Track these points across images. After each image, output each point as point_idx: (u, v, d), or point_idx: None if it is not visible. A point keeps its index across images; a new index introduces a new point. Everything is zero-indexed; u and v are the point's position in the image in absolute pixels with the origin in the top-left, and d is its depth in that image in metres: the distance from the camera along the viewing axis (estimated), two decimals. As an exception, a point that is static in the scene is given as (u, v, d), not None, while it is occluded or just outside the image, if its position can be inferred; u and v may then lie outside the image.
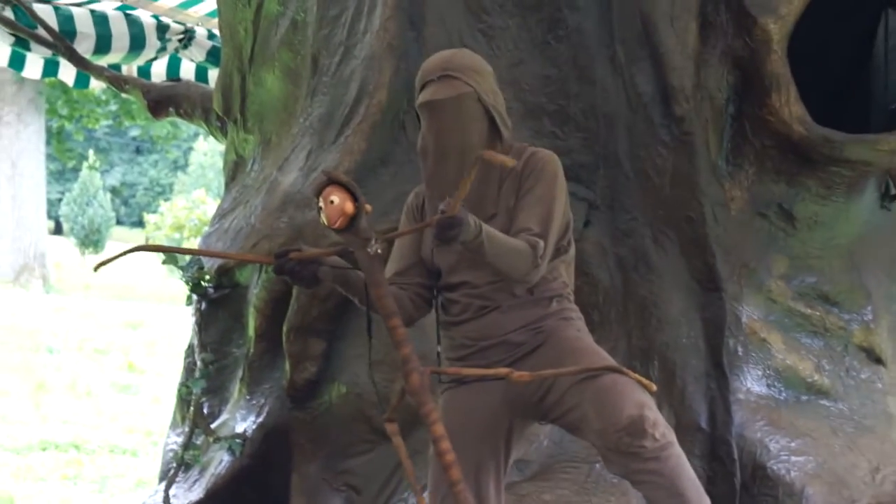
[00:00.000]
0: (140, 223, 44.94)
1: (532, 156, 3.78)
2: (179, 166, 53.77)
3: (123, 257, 3.44)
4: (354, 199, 3.30)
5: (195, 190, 38.67)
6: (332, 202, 3.28)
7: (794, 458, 4.60)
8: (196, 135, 45.54)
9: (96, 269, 3.39)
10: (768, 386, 4.77)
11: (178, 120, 7.22)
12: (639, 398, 3.53)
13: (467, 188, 3.25)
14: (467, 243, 3.39)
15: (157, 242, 31.27)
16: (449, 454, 3.38)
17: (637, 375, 3.57)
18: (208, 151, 48.97)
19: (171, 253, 5.47)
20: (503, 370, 3.49)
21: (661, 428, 3.53)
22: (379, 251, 3.35)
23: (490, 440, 3.76)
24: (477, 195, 3.70)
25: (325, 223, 3.30)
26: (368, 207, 3.31)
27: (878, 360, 4.98)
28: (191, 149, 51.74)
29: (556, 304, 3.79)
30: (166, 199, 39.83)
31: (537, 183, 3.71)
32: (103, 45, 8.14)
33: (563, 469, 4.47)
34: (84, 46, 7.96)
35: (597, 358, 3.67)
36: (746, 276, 4.80)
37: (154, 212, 37.86)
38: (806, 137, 4.75)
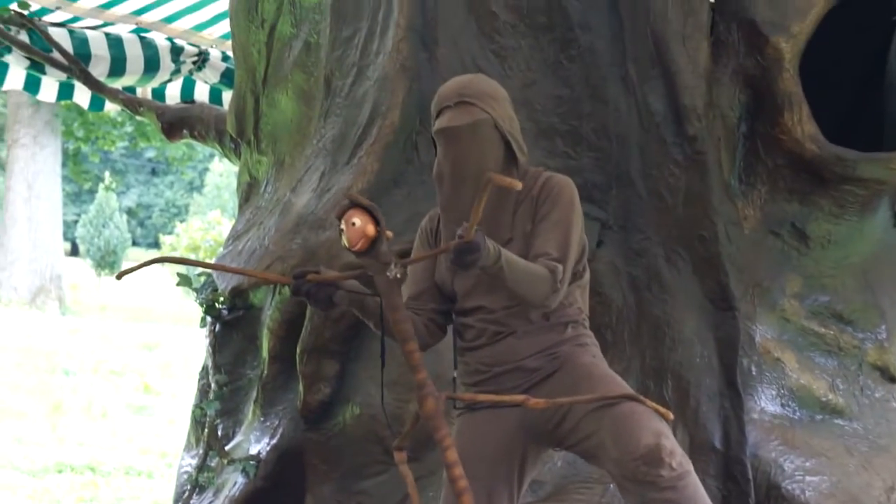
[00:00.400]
0: (156, 244, 45.02)
1: (548, 180, 3.78)
2: (195, 187, 53.88)
3: (146, 268, 3.47)
4: (376, 222, 3.32)
5: (211, 211, 38.72)
6: (353, 224, 3.31)
7: (808, 478, 4.58)
8: (212, 156, 45.63)
9: (119, 277, 3.42)
10: (782, 405, 4.75)
11: (194, 141, 7.25)
12: (656, 427, 3.52)
13: (480, 213, 3.26)
14: (486, 268, 3.39)
15: (174, 264, 31.29)
16: (462, 480, 3.38)
17: (654, 404, 3.56)
18: (224, 172, 49.04)
19: (188, 269, 5.49)
20: (519, 397, 3.48)
21: (678, 457, 3.53)
22: (398, 276, 3.36)
23: (504, 466, 3.75)
24: (492, 220, 3.69)
25: (346, 245, 3.33)
26: (389, 234, 3.32)
27: (893, 379, 4.96)
28: (206, 170, 51.83)
29: (571, 329, 3.79)
30: (182, 221, 39.90)
31: (554, 208, 3.71)
32: (118, 67, 8.17)
33: (577, 490, 4.46)
34: (99, 69, 7.99)
35: (613, 385, 3.66)
36: (760, 296, 4.79)
37: (170, 233, 37.91)
38: (818, 156, 4.75)
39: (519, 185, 3.16)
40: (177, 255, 32.57)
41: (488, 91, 3.77)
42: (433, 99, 3.81)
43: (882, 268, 5.07)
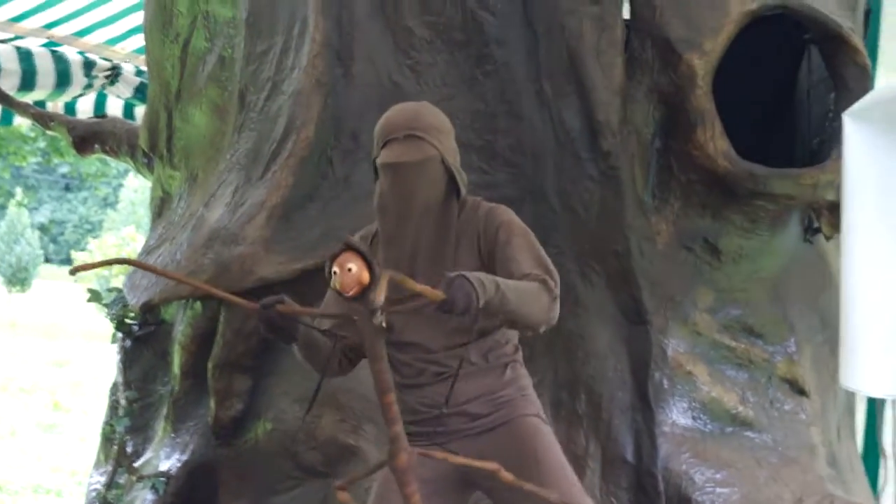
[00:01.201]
0: (69, 260, 44.50)
1: (490, 212, 3.72)
2: (109, 203, 53.33)
3: (99, 268, 3.39)
4: (370, 269, 3.31)
5: (125, 227, 38.38)
6: (349, 270, 3.29)
7: (719, 490, 4.62)
8: (126, 172, 45.14)
9: (72, 272, 3.36)
10: (693, 418, 4.79)
11: (107, 157, 7.17)
12: None
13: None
14: (490, 304, 3.31)
15: (86, 281, 30.95)
16: None
17: None
18: (139, 188, 48.60)
19: (99, 285, 5.42)
20: (491, 465, 3.41)
21: None
22: (383, 324, 3.33)
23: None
24: (433, 254, 3.66)
25: (336, 288, 3.30)
26: (389, 276, 3.30)
27: (802, 392, 5.01)
28: (121, 185, 51.33)
29: (510, 371, 3.75)
30: (95, 237, 39.50)
31: (511, 235, 3.65)
32: (28, 81, 8.08)
33: None
34: (9, 83, 7.89)
35: (561, 482, 3.61)
36: (672, 309, 4.83)
37: (83, 249, 37.50)
38: (731, 172, 4.80)
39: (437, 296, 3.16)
40: (90, 272, 32.22)
41: (436, 125, 3.71)
42: (376, 128, 3.73)
43: (792, 281, 5.13)
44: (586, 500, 3.66)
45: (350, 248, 3.32)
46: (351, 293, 3.31)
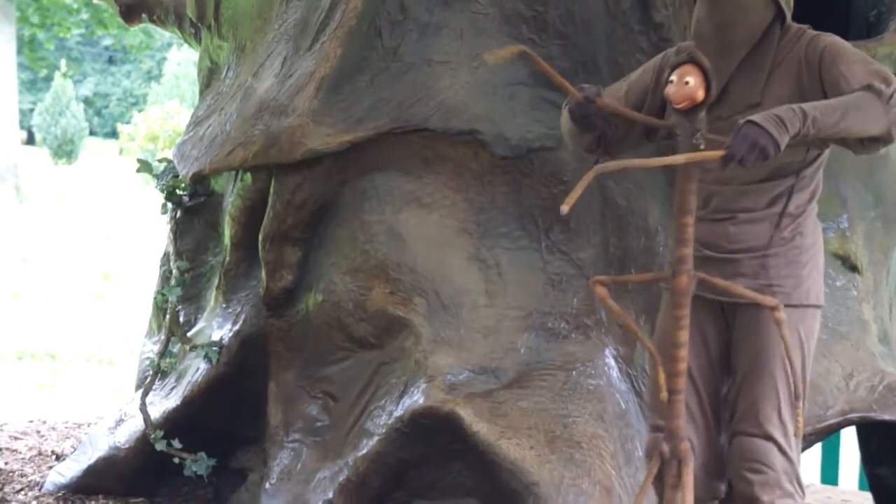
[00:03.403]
0: (114, 134, 44.62)
1: (814, 38, 3.61)
2: (153, 76, 53.22)
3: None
4: (707, 88, 3.28)
5: (169, 101, 38.37)
6: (686, 83, 3.29)
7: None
8: (170, 44, 45.05)
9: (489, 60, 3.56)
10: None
11: (152, 29, 7.13)
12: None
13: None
14: (802, 135, 3.26)
15: (132, 154, 31.06)
16: (682, 363, 3.41)
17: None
18: (182, 62, 48.45)
19: (155, 164, 5.43)
20: (770, 300, 3.39)
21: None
22: (701, 147, 3.33)
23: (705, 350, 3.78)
24: (741, 81, 3.55)
25: (668, 98, 3.34)
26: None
27: (854, 268, 4.98)
28: (164, 59, 51.17)
29: (789, 230, 3.69)
30: (140, 110, 39.48)
31: (837, 55, 3.53)
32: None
33: (540, 377, 4.48)
34: (54, -49, 7.83)
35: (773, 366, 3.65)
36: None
37: (128, 122, 37.54)
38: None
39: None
40: (135, 145, 32.31)
41: None
42: None
43: (845, 158, 5.05)
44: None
45: (693, 61, 3.30)
46: (681, 105, 3.31)
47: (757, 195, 3.67)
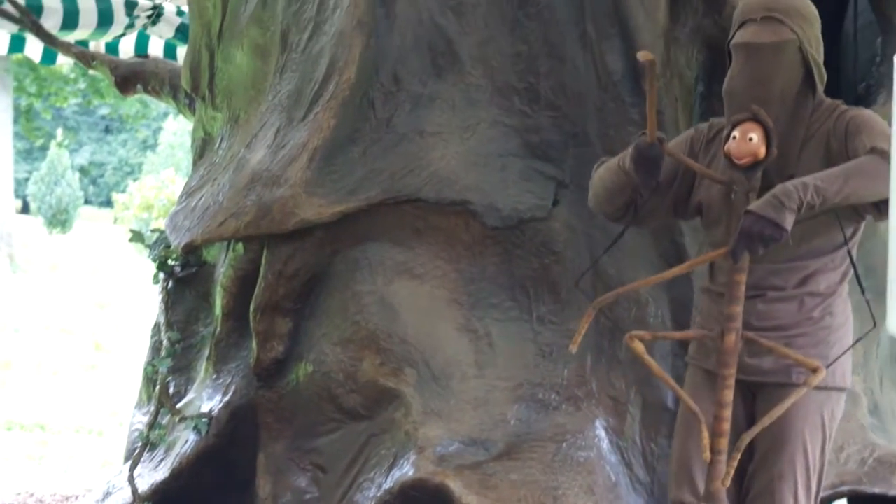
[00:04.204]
0: (108, 203, 44.68)
1: (845, 111, 3.60)
2: (149, 146, 53.40)
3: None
4: (768, 147, 3.30)
5: (164, 169, 38.43)
6: (750, 139, 3.31)
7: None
8: (166, 114, 45.29)
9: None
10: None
11: (148, 99, 7.18)
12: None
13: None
14: (809, 207, 3.26)
15: (126, 223, 31.09)
16: (725, 423, 3.39)
17: None
18: (178, 131, 48.65)
19: (148, 235, 5.44)
20: (812, 362, 3.39)
21: None
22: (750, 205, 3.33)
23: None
24: (778, 152, 3.52)
25: (728, 154, 3.35)
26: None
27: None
28: (160, 128, 51.38)
29: (818, 310, 3.66)
30: (135, 179, 39.57)
31: (861, 124, 3.51)
32: (71, 20, 8.07)
33: (531, 448, 4.45)
34: (51, 22, 7.89)
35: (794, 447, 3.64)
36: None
37: (123, 191, 37.61)
38: (775, 117, 4.74)
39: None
40: (130, 214, 32.33)
41: (798, 8, 3.58)
42: (737, 10, 3.64)
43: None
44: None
45: (756, 119, 3.30)
46: (742, 161, 3.31)
47: (787, 274, 3.65)
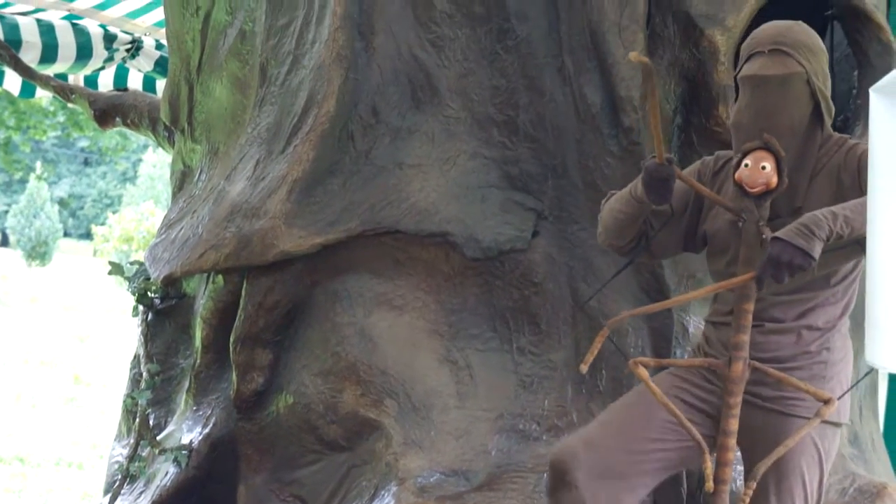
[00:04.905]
0: (88, 235, 44.62)
1: (855, 146, 3.59)
2: (128, 178, 53.39)
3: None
4: (779, 176, 3.30)
5: (144, 202, 38.44)
6: (763, 168, 3.30)
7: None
8: (145, 146, 45.26)
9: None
10: (715, 395, 4.78)
11: (128, 131, 7.17)
12: None
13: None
14: (833, 238, 3.25)
15: (106, 255, 31.03)
16: (731, 452, 3.38)
17: None
18: (157, 163, 48.67)
19: (127, 267, 5.44)
20: (823, 393, 3.39)
21: None
22: (764, 236, 3.32)
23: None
24: (787, 185, 3.50)
25: (740, 181, 3.33)
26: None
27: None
28: (140, 160, 51.40)
29: (816, 344, 3.64)
30: (115, 212, 39.53)
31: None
32: (49, 54, 8.09)
33: (511, 479, 4.45)
34: (30, 56, 7.90)
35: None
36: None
37: (102, 224, 37.56)
38: (752, 148, 4.77)
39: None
40: (110, 246, 32.30)
41: (806, 42, 3.59)
42: (745, 42, 3.65)
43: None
44: None
45: (767, 148, 3.29)
46: (754, 190, 3.30)
47: (787, 306, 3.64)
